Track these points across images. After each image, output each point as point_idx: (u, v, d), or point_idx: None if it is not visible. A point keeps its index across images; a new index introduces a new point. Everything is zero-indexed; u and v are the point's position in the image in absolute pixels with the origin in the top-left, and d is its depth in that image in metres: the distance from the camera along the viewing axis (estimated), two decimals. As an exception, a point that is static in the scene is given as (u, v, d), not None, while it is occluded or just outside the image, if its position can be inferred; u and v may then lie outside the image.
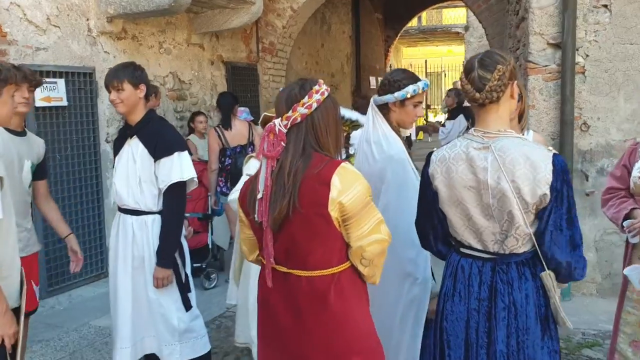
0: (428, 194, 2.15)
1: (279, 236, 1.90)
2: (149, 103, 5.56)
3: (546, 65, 4.79)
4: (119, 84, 2.95)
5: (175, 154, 2.99)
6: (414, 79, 2.67)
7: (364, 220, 1.86)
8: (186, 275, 3.15)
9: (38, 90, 4.81)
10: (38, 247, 3.30)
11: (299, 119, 1.90)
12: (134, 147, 3.04)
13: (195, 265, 5.10)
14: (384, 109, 2.70)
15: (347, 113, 3.41)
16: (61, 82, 5.06)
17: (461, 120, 7.13)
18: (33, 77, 3.13)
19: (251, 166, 3.26)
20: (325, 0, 8.60)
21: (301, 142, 1.90)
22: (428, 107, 22.88)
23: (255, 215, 1.92)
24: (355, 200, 1.83)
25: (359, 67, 12.07)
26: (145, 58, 6.13)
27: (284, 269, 1.93)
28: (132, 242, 3.06)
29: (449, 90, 7.46)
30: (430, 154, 2.16)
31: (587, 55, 4.68)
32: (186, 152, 3.06)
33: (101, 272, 5.57)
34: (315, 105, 1.90)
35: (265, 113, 3.32)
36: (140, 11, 5.36)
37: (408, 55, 27.94)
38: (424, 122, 21.19)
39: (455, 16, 24.89)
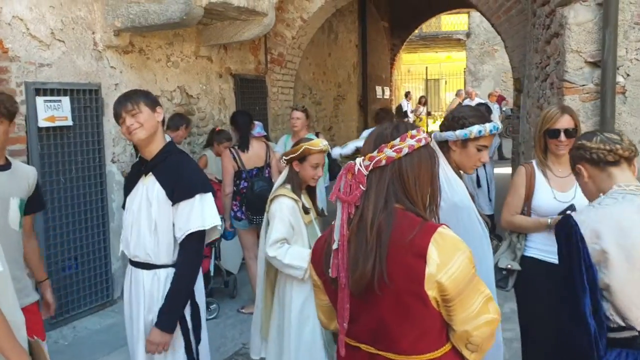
0: (581, 260, 1.91)
1: (362, 312, 1.62)
2: (178, 134, 5.36)
3: (583, 85, 4.50)
4: (134, 107, 2.54)
5: (197, 197, 2.56)
6: (482, 118, 2.39)
7: (470, 299, 1.56)
8: (196, 340, 2.67)
9: (41, 109, 4.55)
10: (36, 297, 2.93)
11: (383, 162, 1.63)
12: (150, 187, 2.61)
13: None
14: (443, 146, 2.41)
15: None
16: (66, 100, 4.74)
17: (495, 137, 6.81)
18: (13, 109, 2.72)
19: (283, 206, 2.97)
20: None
21: (384, 190, 1.63)
22: (429, 114, 22.65)
23: (330, 270, 1.65)
24: (458, 276, 1.53)
25: (366, 77, 11.80)
26: (153, 72, 5.83)
27: (372, 350, 1.65)
28: (144, 301, 2.62)
29: (478, 105, 7.15)
30: (567, 216, 1.95)
31: (628, 75, 4.40)
32: (210, 195, 2.63)
33: (107, 300, 5.25)
34: (406, 150, 1.64)
35: (306, 146, 3.03)
36: (150, 24, 5.06)
37: (407, 62, 27.73)
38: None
39: (455, 22, 24.70)
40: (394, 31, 13.33)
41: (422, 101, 21.09)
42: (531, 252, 3.14)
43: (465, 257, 1.55)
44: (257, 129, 6.55)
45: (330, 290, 1.73)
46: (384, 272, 1.54)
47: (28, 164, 4.48)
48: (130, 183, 2.79)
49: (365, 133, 8.80)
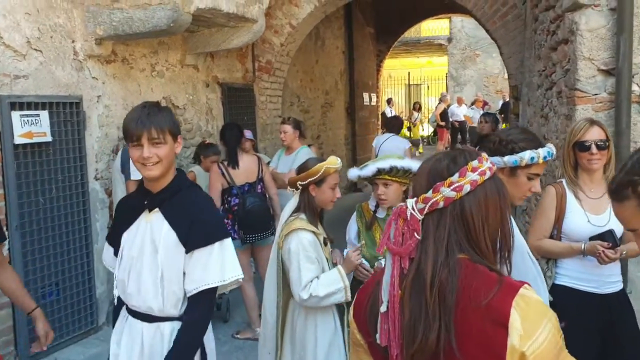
0: None
1: None
2: None
3: (596, 94, 4.29)
4: (159, 135, 2.09)
5: (217, 244, 2.15)
6: (535, 142, 2.11)
7: None
8: None
9: (17, 124, 4.19)
10: None
11: (441, 204, 1.34)
12: (156, 227, 2.18)
13: None
14: None
15: (406, 162, 2.84)
16: (44, 115, 4.39)
17: None
18: None
19: (305, 242, 2.65)
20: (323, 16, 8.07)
21: (444, 238, 1.33)
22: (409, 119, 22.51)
23: (377, 336, 1.36)
24: (545, 348, 1.23)
25: (353, 84, 11.56)
26: (137, 82, 5.49)
27: None
28: (141, 356, 2.23)
29: (485, 115, 6.92)
30: None
31: (643, 83, 4.20)
32: (229, 241, 2.22)
33: (91, 327, 4.89)
34: (468, 187, 1.34)
35: (327, 166, 2.71)
36: (134, 32, 4.74)
37: (388, 67, 27.59)
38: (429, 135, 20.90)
39: (436, 27, 24.63)
40: (379, 37, 13.12)
41: (417, 107, 20.94)
42: (563, 280, 2.90)
43: (552, 325, 1.26)
44: (247, 134, 6.25)
45: (376, 353, 1.44)
46: (454, 343, 1.25)
47: (3, 184, 4.14)
48: (125, 216, 2.32)
49: (376, 142, 8.35)
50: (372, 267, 2.87)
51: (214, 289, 2.18)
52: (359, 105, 11.90)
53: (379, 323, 1.37)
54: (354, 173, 2.94)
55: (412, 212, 1.36)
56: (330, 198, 2.79)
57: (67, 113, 4.63)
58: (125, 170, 4.67)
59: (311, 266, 2.63)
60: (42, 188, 4.45)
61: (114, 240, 2.35)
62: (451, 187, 1.34)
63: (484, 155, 1.40)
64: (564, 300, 2.83)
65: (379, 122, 14.09)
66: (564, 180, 3.02)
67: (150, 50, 5.66)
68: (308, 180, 2.73)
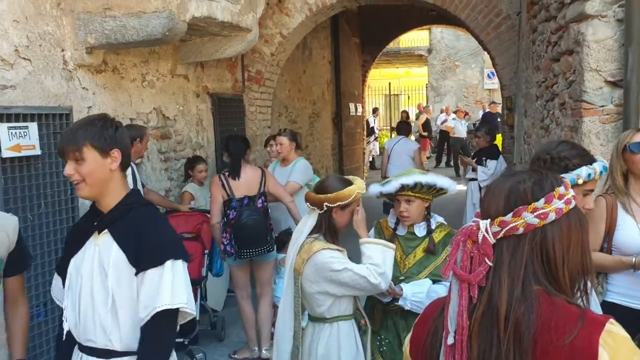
0: None
1: None
2: (132, 151, 4.78)
3: (602, 106, 4.23)
4: (75, 151, 1.92)
5: (168, 263, 1.92)
6: (588, 157, 2.01)
7: None
8: None
9: (5, 137, 3.97)
10: None
11: (520, 230, 1.22)
12: (104, 250, 1.96)
13: (176, 340, 4.24)
14: None
15: (431, 178, 2.71)
16: (33, 127, 4.18)
17: (502, 160, 6.52)
18: None
19: (333, 255, 2.51)
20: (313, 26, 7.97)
21: (520, 268, 1.21)
22: (392, 128, 22.53)
23: None
24: None
25: (339, 94, 11.48)
26: (128, 93, 5.31)
27: None
28: None
29: (479, 128, 6.86)
30: None
31: (650, 95, 4.14)
32: (181, 263, 1.97)
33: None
34: (553, 216, 1.22)
35: (358, 190, 2.58)
36: (127, 41, 4.56)
37: (368, 77, 27.69)
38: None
39: (416, 38, 24.73)
40: (364, 47, 13.07)
41: (404, 116, 20.92)
42: (613, 297, 2.75)
43: None
44: None
45: None
46: None
47: (-10, 200, 3.91)
48: (74, 242, 2.09)
49: (388, 144, 8.33)
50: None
51: (173, 314, 1.94)
52: (345, 115, 11.81)
53: (443, 355, 1.24)
54: (375, 189, 2.80)
55: (485, 234, 1.24)
56: (347, 221, 2.68)
57: (56, 125, 4.42)
58: None
59: (349, 260, 2.53)
60: (31, 204, 4.22)
61: (62, 269, 2.10)
62: (535, 214, 1.22)
63: (566, 182, 1.29)
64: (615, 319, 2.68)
65: (365, 132, 14.03)
66: (613, 191, 2.92)
67: (141, 59, 5.48)
68: (338, 204, 2.58)
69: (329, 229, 2.62)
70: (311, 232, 2.61)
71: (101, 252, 1.97)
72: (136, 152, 4.73)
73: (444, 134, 17.21)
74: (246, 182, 4.68)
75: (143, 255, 1.91)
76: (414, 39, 24.13)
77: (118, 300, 1.94)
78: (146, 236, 1.94)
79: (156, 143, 5.76)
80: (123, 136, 2.02)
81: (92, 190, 1.96)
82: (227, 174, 4.73)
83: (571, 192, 1.27)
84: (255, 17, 5.80)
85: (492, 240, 1.24)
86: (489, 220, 1.26)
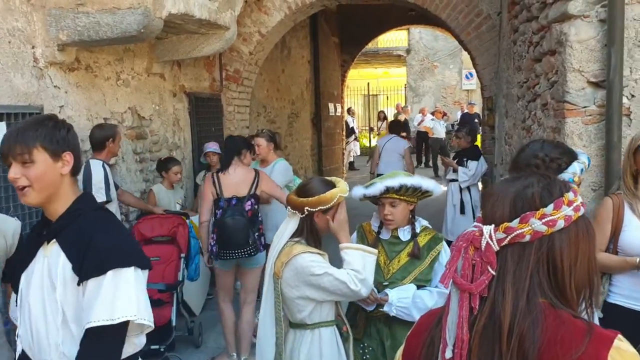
0: None
1: None
2: (105, 152, 4.63)
3: (585, 107, 4.20)
4: (24, 152, 1.75)
5: (110, 273, 1.71)
6: (572, 152, 1.97)
7: None
8: None
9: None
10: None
11: (526, 238, 1.14)
12: (53, 261, 1.80)
13: (152, 347, 4.11)
14: None
15: (416, 180, 2.63)
16: (1, 127, 4.01)
17: (483, 161, 6.47)
18: None
19: (314, 258, 2.41)
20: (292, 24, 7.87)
21: (525, 278, 1.14)
22: (371, 129, 22.52)
23: None
24: None
25: (318, 94, 11.38)
26: (102, 92, 5.15)
27: None
28: None
29: (460, 129, 6.80)
30: None
31: (633, 96, 4.13)
32: (130, 272, 1.75)
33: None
34: (561, 223, 1.14)
35: (340, 194, 2.47)
36: (101, 38, 4.41)
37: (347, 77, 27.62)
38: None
39: (394, 39, 24.76)
40: (344, 47, 13.00)
41: (381, 116, 20.89)
42: (616, 299, 2.72)
43: None
44: (214, 147, 6.02)
45: None
46: None
47: (-44, 203, 3.74)
48: (24, 254, 1.95)
49: (380, 142, 8.43)
50: (379, 292, 2.64)
51: (114, 330, 1.71)
52: (324, 115, 11.72)
53: None
54: (358, 192, 2.70)
55: (489, 241, 1.15)
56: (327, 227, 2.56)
57: (26, 124, 4.25)
58: (86, 190, 4.32)
59: (331, 265, 2.42)
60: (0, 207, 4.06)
61: (15, 285, 1.94)
62: (543, 220, 1.14)
63: (574, 187, 1.21)
64: (616, 321, 2.63)
65: (344, 133, 13.96)
66: (622, 192, 2.88)
67: (115, 57, 5.33)
68: (319, 208, 2.45)
69: (311, 233, 2.51)
70: (292, 236, 2.50)
71: (50, 264, 1.80)
72: (110, 152, 4.58)
73: (422, 135, 17.22)
74: (236, 182, 4.53)
75: (84, 264, 1.73)
76: (393, 39, 24.15)
77: (69, 315, 1.77)
78: (90, 243, 1.75)
79: (131, 143, 5.60)
80: (75, 139, 1.88)
81: (39, 196, 1.79)
82: (218, 172, 4.60)
83: (580, 199, 1.19)
84: (234, 15, 5.68)
85: (495, 248, 1.16)
86: (492, 225, 1.18)
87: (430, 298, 2.60)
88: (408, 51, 24.05)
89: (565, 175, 1.90)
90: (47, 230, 1.85)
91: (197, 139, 6.73)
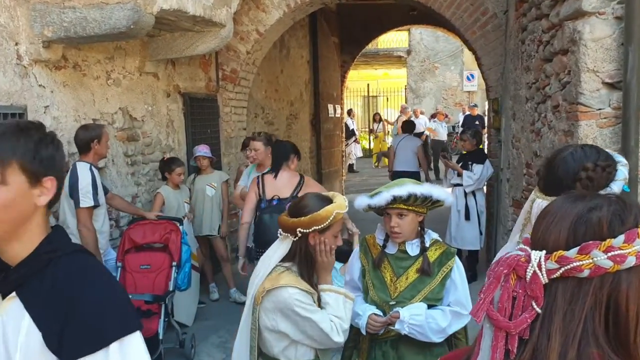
0: None
1: None
2: (91, 154, 4.38)
3: (600, 109, 3.97)
4: None
5: (114, 346, 1.24)
6: (611, 156, 1.74)
7: None
8: None
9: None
10: None
11: (585, 273, 0.91)
12: (10, 322, 1.28)
13: None
14: None
15: (426, 189, 2.39)
16: (-19, 128, 3.76)
17: (489, 165, 6.22)
18: None
19: (297, 298, 2.14)
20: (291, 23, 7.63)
21: (579, 321, 0.91)
22: (371, 130, 22.29)
23: None
24: None
25: (318, 95, 11.13)
26: (90, 91, 4.91)
27: None
28: None
29: (465, 132, 6.54)
30: None
31: (651, 98, 3.89)
32: (134, 337, 1.28)
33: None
34: (632, 261, 0.91)
35: (337, 210, 2.19)
36: (88, 35, 4.18)
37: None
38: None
39: (395, 39, 24.54)
40: (344, 47, 12.76)
41: (377, 118, 20.66)
42: None
43: None
44: (204, 150, 5.82)
45: None
46: None
47: None
48: None
49: (394, 141, 8.59)
50: (385, 314, 2.40)
51: None
52: (324, 117, 11.48)
53: None
54: (362, 202, 2.45)
55: (537, 271, 0.92)
56: (332, 247, 2.27)
57: (8, 126, 4.01)
58: (74, 194, 4.08)
59: (317, 309, 2.15)
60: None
61: None
62: (609, 254, 0.90)
63: None
64: None
65: (344, 135, 13.73)
66: None
67: (105, 55, 5.09)
68: (314, 229, 2.16)
69: (304, 259, 2.21)
70: (282, 260, 2.22)
71: (6, 327, 1.29)
72: (97, 154, 4.33)
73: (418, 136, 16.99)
74: (280, 186, 4.47)
75: (68, 335, 1.23)
76: (393, 40, 23.93)
77: None
78: (74, 302, 1.26)
79: (122, 145, 5.36)
80: (62, 160, 1.40)
81: (3, 228, 1.28)
82: (264, 174, 4.61)
83: None
84: (230, 12, 5.44)
85: (544, 280, 0.93)
86: (544, 252, 0.94)
87: (444, 318, 2.36)
88: (409, 52, 23.82)
89: (618, 184, 1.66)
90: (3, 279, 1.33)
91: (191, 141, 6.49)
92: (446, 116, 18.86)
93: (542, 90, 4.80)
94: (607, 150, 1.81)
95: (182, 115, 6.42)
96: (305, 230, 2.15)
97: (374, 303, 2.45)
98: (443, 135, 16.45)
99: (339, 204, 2.21)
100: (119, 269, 4.51)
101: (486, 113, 16.76)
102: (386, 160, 19.33)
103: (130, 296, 4.30)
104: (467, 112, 17.72)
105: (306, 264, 2.20)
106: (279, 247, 2.21)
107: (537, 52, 4.89)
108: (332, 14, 11.98)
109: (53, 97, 4.48)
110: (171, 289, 4.49)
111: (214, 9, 5.09)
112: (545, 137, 4.73)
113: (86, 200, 4.07)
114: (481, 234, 6.24)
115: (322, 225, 2.15)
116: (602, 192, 1.62)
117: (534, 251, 0.95)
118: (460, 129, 17.67)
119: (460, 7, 6.50)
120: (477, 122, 15.48)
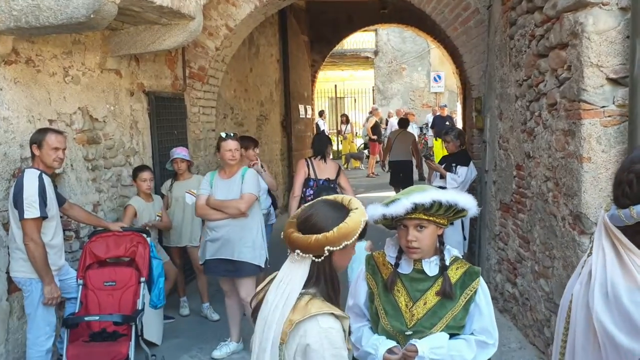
0: None
1: None
2: (37, 160, 3.86)
3: (604, 107, 3.71)
4: None
5: None
6: None
7: None
8: None
9: None
10: None
11: None
12: None
13: None
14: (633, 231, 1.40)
15: (451, 196, 2.03)
16: None
17: (473, 167, 5.91)
18: None
19: (333, 335, 1.70)
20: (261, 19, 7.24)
21: None
22: (339, 132, 22.00)
23: None
24: None
25: (288, 95, 10.76)
26: (46, 89, 4.43)
27: None
28: None
29: (449, 132, 6.21)
30: None
31: (657, 94, 3.64)
32: None
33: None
34: None
35: (364, 218, 1.79)
36: (42, 25, 3.72)
37: (313, 79, 26.96)
38: (358, 148, 20.35)
39: (362, 40, 24.31)
40: (314, 46, 12.41)
41: (344, 119, 20.37)
42: None
43: None
44: (183, 152, 5.51)
45: None
46: None
47: None
48: None
49: (394, 135, 9.63)
50: (401, 345, 2.03)
51: None
52: (294, 117, 11.11)
53: None
54: (375, 212, 2.05)
55: None
56: (349, 261, 1.84)
57: (-51, 127, 3.53)
58: (17, 204, 3.62)
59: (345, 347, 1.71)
60: None
61: None
62: None
63: None
64: None
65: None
66: None
67: (62, 50, 4.61)
68: (344, 244, 1.72)
69: (330, 282, 1.76)
70: (309, 287, 1.75)
71: None
72: (41, 161, 3.83)
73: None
74: (327, 169, 5.52)
75: None
76: (360, 41, 23.69)
77: None
78: None
79: (82, 149, 4.88)
80: None
81: None
82: (311, 157, 5.63)
83: None
84: (199, 3, 5.04)
85: None
86: None
87: (469, 350, 2.01)
88: (376, 53, 23.62)
89: None
90: None
91: (157, 143, 6.05)
92: (413, 116, 18.70)
93: (535, 87, 4.53)
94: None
95: (147, 116, 5.96)
96: (334, 248, 1.72)
97: (386, 333, 2.07)
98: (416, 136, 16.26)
99: (361, 211, 1.78)
100: (80, 286, 4.04)
101: (455, 113, 16.67)
102: (355, 162, 19.14)
103: (97, 317, 3.86)
104: (438, 113, 17.58)
105: (332, 285, 1.77)
106: (296, 271, 1.74)
107: (529, 48, 4.62)
108: (302, 12, 11.64)
109: (3, 95, 4.00)
110: (140, 307, 4.05)
111: (182, 0, 4.67)
112: (539, 137, 4.46)
113: (31, 211, 3.60)
114: (465, 239, 5.96)
115: (353, 239, 1.74)
116: None
117: None
118: (429, 130, 17.57)
119: (442, 2, 6.22)
120: (447, 123, 15.33)
